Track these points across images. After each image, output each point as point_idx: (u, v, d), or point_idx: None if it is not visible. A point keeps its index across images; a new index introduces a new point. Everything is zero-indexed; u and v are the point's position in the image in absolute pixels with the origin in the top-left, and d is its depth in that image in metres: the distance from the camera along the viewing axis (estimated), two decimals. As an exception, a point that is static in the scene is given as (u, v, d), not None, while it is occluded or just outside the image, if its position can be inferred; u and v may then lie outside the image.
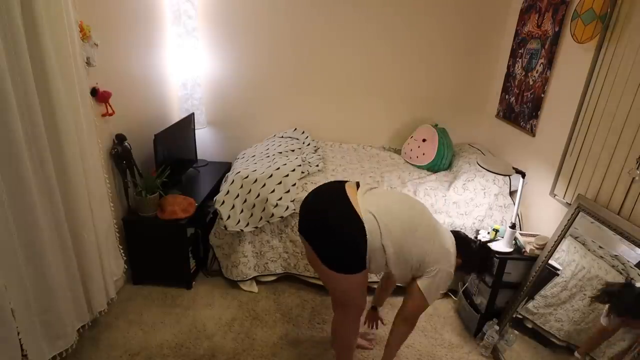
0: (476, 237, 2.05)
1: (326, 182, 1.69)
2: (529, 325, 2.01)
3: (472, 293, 2.28)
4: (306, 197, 1.64)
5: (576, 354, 1.75)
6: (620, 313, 1.63)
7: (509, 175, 2.24)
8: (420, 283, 1.55)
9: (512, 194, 2.45)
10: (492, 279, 2.08)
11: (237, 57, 3.07)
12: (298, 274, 2.48)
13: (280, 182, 2.36)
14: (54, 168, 1.63)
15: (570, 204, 2.01)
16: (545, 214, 2.27)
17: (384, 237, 1.46)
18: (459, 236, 1.70)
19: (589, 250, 1.85)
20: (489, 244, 2.03)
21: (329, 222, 1.49)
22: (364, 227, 1.44)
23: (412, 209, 1.58)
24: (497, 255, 2.05)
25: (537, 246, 2.05)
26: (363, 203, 1.50)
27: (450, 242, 1.61)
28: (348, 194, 1.53)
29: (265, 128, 3.25)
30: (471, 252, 1.71)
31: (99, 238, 1.96)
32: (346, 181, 1.63)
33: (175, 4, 2.84)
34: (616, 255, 1.70)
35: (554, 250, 1.97)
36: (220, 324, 2.17)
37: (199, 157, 3.21)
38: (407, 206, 1.58)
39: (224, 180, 2.52)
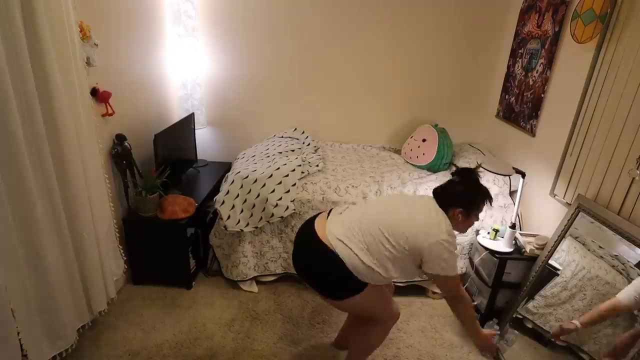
0: (452, 175, 1.68)
1: (303, 223, 1.72)
2: (529, 325, 2.01)
3: (472, 293, 2.28)
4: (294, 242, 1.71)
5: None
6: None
7: (509, 175, 2.24)
8: (427, 269, 1.50)
9: (512, 194, 2.45)
10: (492, 279, 2.08)
11: (237, 57, 3.07)
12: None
13: (280, 182, 2.36)
14: (54, 168, 1.63)
15: (570, 204, 2.01)
16: (545, 214, 2.27)
17: (363, 258, 1.47)
18: (436, 192, 1.59)
19: (589, 250, 1.85)
20: (476, 170, 1.66)
21: (308, 263, 1.60)
22: (337, 256, 1.48)
23: (380, 214, 1.56)
24: (497, 256, 2.05)
25: (537, 246, 2.05)
26: (331, 232, 1.54)
27: (430, 206, 1.54)
28: (316, 230, 1.58)
29: (265, 128, 3.25)
30: (461, 193, 1.56)
31: (99, 238, 1.95)
32: (318, 214, 1.69)
33: (175, 4, 2.84)
34: (616, 255, 1.70)
35: (554, 250, 1.97)
36: (220, 324, 2.17)
37: (199, 157, 3.21)
38: (375, 214, 1.56)
39: (224, 180, 2.52)
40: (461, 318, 1.69)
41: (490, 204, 1.60)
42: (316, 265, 1.57)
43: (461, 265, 2.42)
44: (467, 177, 1.59)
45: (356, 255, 1.47)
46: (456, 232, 1.57)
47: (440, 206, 1.54)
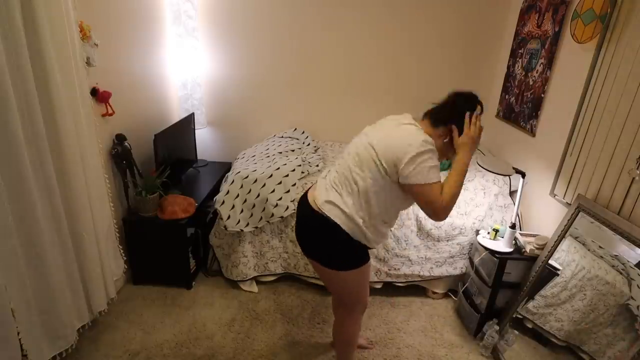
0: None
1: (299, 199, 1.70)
2: (529, 325, 2.01)
3: (472, 293, 2.28)
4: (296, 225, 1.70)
5: None
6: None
7: (509, 175, 2.24)
8: (404, 179, 1.37)
9: (512, 194, 2.45)
10: (492, 279, 2.08)
11: (237, 57, 3.07)
12: (298, 274, 2.48)
13: (280, 182, 2.36)
14: (54, 168, 1.63)
15: (570, 204, 2.01)
16: (545, 214, 2.27)
17: (347, 210, 1.44)
18: (427, 114, 1.51)
19: (589, 250, 1.85)
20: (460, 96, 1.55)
21: (311, 237, 1.58)
22: (333, 222, 1.45)
23: (349, 153, 1.50)
24: (497, 256, 2.05)
25: (537, 246, 2.05)
26: (319, 198, 1.51)
27: (402, 121, 1.46)
28: (310, 203, 1.55)
29: (265, 128, 3.25)
30: (447, 107, 1.49)
31: (99, 238, 1.96)
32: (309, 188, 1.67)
33: (175, 4, 2.84)
34: (616, 255, 1.70)
35: (554, 250, 1.97)
36: (220, 324, 2.17)
37: (199, 157, 3.21)
38: (346, 155, 1.52)
39: (224, 180, 2.52)
40: (447, 184, 1.46)
41: (481, 109, 1.48)
42: (318, 237, 1.53)
43: (461, 266, 2.42)
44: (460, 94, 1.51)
45: (342, 210, 1.44)
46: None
47: (434, 123, 1.47)
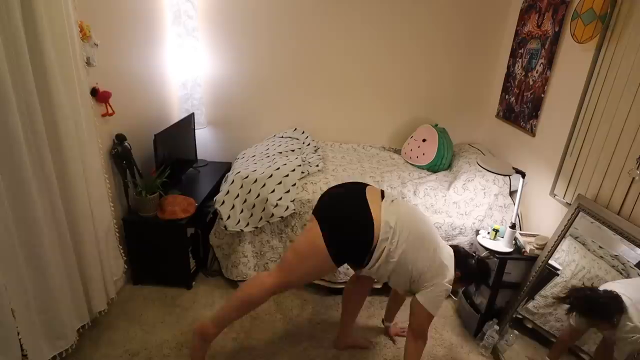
0: (475, 253, 2.07)
1: (349, 181, 1.80)
2: (529, 325, 2.01)
3: (472, 293, 2.28)
4: (329, 190, 1.74)
5: (547, 358, 1.84)
6: (581, 313, 1.74)
7: (509, 175, 2.24)
8: (420, 297, 1.62)
9: (512, 194, 2.45)
10: (492, 279, 2.08)
11: (237, 57, 3.07)
12: (298, 274, 2.47)
13: (280, 182, 2.36)
14: (54, 168, 1.63)
15: (570, 204, 2.01)
16: (545, 214, 2.27)
17: (393, 247, 1.56)
18: (458, 253, 1.76)
19: (589, 250, 1.85)
20: (487, 260, 2.04)
21: (345, 212, 1.61)
22: (373, 231, 1.55)
23: (424, 224, 1.66)
24: (497, 256, 2.05)
25: (537, 246, 2.05)
26: (385, 214, 1.59)
27: (450, 259, 1.68)
28: (368, 200, 1.61)
29: (265, 128, 3.25)
30: (470, 267, 1.77)
31: (99, 238, 1.95)
32: (363, 186, 1.71)
33: (175, 4, 2.84)
34: (616, 255, 1.70)
35: (554, 250, 1.97)
36: (220, 324, 2.17)
37: (199, 157, 3.21)
38: (420, 220, 1.66)
39: (224, 180, 2.52)
40: (410, 356, 1.68)
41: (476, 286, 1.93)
42: (350, 221, 1.58)
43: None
44: (484, 264, 1.85)
45: (390, 242, 1.56)
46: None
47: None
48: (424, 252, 1.60)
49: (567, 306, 1.82)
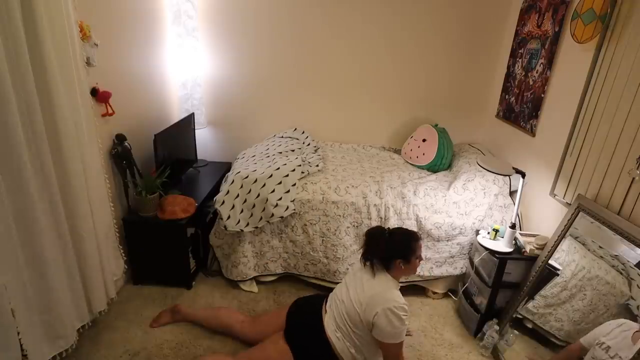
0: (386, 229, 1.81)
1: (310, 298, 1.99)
2: (529, 325, 2.01)
3: (472, 293, 2.28)
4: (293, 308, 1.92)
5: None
6: None
7: (509, 175, 2.24)
8: (376, 334, 1.62)
9: (512, 194, 2.44)
10: (492, 279, 2.08)
11: (237, 57, 3.07)
12: (298, 274, 2.48)
13: (280, 182, 2.36)
14: (54, 168, 1.63)
15: (570, 204, 2.01)
16: (545, 214, 2.27)
17: (351, 350, 1.69)
18: (371, 255, 1.71)
19: (589, 250, 1.85)
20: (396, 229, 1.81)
21: (305, 342, 1.77)
22: (333, 351, 1.71)
23: (343, 302, 1.73)
24: (497, 256, 2.05)
25: (537, 246, 2.05)
26: (328, 326, 1.73)
27: (377, 278, 1.68)
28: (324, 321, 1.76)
29: (265, 128, 3.25)
30: (394, 245, 1.69)
31: (99, 238, 1.95)
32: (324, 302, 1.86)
33: (175, 4, 2.84)
34: (616, 255, 1.70)
35: (554, 250, 1.97)
36: (220, 324, 2.17)
37: (199, 157, 3.21)
38: (341, 302, 1.73)
39: (224, 180, 2.52)
40: None
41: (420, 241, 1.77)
42: (311, 347, 1.74)
43: (461, 266, 2.43)
44: (388, 231, 1.73)
45: (347, 348, 1.69)
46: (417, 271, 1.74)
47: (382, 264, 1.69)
48: (352, 309, 1.66)
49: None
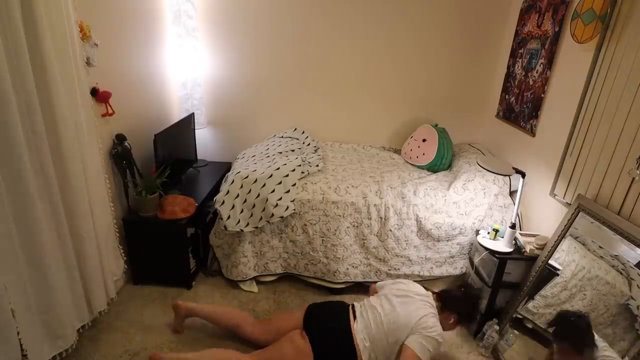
0: (461, 288, 2.16)
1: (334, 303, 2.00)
2: (529, 325, 2.01)
3: (472, 293, 2.28)
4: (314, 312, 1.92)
5: None
6: (560, 339, 1.77)
7: (509, 175, 2.24)
8: (410, 341, 1.68)
9: (512, 194, 2.45)
10: (492, 279, 2.08)
11: (237, 57, 3.07)
12: (298, 274, 2.48)
13: (280, 182, 2.36)
14: (54, 168, 1.63)
15: (570, 204, 2.01)
16: (545, 214, 2.27)
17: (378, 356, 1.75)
18: (445, 297, 1.86)
19: (589, 250, 1.85)
20: (473, 291, 2.12)
21: (329, 341, 1.79)
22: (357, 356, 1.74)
23: (388, 317, 1.77)
24: (497, 256, 2.05)
25: (537, 246, 2.05)
26: (358, 332, 1.76)
27: (431, 311, 1.77)
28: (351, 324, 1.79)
29: (265, 128, 3.25)
30: (459, 305, 1.84)
31: (99, 238, 1.96)
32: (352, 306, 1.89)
33: (175, 4, 2.84)
34: (616, 255, 1.70)
35: (554, 250, 1.97)
36: (220, 324, 2.17)
37: (199, 157, 3.21)
38: (384, 317, 1.77)
39: (224, 180, 2.52)
40: None
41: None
42: (334, 347, 1.77)
43: (461, 266, 2.43)
44: (472, 295, 1.98)
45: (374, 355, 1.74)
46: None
47: (442, 307, 1.82)
48: (396, 339, 1.72)
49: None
